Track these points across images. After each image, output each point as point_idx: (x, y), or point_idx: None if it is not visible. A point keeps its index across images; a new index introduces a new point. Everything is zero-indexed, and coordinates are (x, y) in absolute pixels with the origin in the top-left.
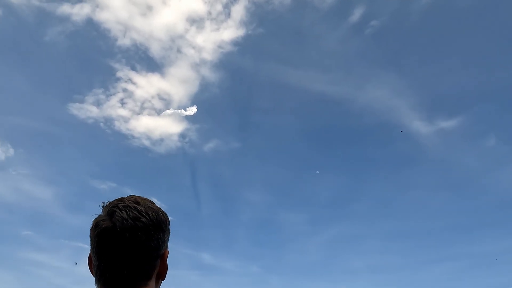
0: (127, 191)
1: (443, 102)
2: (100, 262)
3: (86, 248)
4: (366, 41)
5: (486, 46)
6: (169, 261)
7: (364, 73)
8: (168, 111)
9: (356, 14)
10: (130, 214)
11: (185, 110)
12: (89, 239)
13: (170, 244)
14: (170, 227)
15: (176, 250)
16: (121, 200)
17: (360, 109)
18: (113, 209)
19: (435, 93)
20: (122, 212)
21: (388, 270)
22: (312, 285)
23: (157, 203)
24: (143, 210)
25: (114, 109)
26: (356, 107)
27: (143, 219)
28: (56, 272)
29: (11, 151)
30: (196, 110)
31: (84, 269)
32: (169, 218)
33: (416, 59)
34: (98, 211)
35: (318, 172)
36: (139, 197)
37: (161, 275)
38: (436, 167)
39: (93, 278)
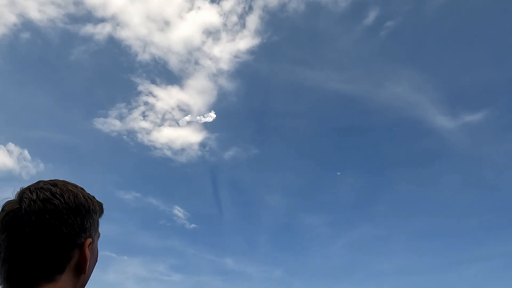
0: (151, 200)
1: (467, 95)
2: (1, 252)
3: (114, 257)
4: (382, 41)
5: (511, 35)
6: (193, 267)
7: (382, 70)
8: (186, 118)
9: (371, 16)
10: (41, 195)
11: (204, 117)
12: (115, 247)
13: (194, 250)
14: (195, 235)
15: (200, 256)
16: (38, 182)
17: (379, 107)
18: (24, 191)
19: (458, 86)
20: (32, 194)
21: (416, 271)
22: None
23: (180, 210)
24: (58, 192)
25: (136, 122)
26: (375, 104)
27: (55, 201)
28: None
29: (41, 165)
30: (214, 116)
31: (111, 276)
32: (102, 208)
33: (436, 53)
34: (123, 220)
35: (339, 173)
36: (61, 180)
37: (82, 269)
38: (462, 163)
39: (120, 284)
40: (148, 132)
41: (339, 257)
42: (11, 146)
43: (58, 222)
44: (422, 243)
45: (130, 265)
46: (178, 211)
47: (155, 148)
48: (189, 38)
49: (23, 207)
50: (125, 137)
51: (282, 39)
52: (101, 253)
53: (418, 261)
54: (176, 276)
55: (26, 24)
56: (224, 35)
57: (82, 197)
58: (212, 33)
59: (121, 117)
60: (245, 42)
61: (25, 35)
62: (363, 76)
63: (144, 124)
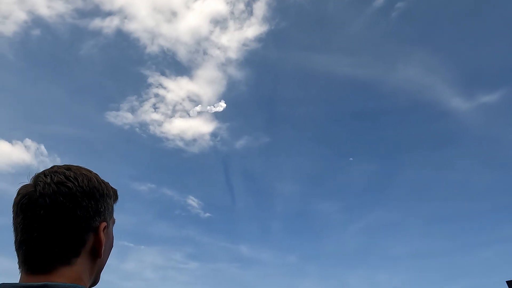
0: (165, 191)
1: (482, 76)
2: (17, 234)
3: (131, 246)
4: (393, 23)
5: None
6: (209, 255)
7: (393, 52)
8: (197, 108)
9: None
10: (55, 178)
11: (214, 107)
12: (132, 237)
13: (209, 239)
14: (210, 223)
15: (215, 244)
16: (53, 166)
17: (392, 90)
18: (38, 175)
19: (472, 66)
20: (46, 177)
21: (431, 255)
22: (351, 273)
23: (194, 200)
24: (72, 175)
25: (147, 114)
26: (387, 88)
27: (69, 184)
28: (104, 269)
29: (58, 160)
30: (225, 105)
31: (129, 265)
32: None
33: (449, 33)
34: (139, 210)
35: (351, 159)
36: (75, 165)
37: (97, 252)
38: (478, 145)
39: (139, 273)
40: (160, 123)
41: (353, 242)
42: (28, 141)
43: (73, 204)
44: (437, 226)
45: (147, 254)
46: (192, 201)
47: (167, 139)
48: (197, 28)
49: (37, 190)
50: (137, 129)
51: (291, 25)
52: (119, 243)
53: (433, 245)
54: (192, 264)
55: (36, 21)
56: (231, 24)
57: (96, 181)
58: (219, 22)
59: (132, 110)
60: (253, 29)
61: (36, 32)
62: (374, 59)
63: (156, 116)
